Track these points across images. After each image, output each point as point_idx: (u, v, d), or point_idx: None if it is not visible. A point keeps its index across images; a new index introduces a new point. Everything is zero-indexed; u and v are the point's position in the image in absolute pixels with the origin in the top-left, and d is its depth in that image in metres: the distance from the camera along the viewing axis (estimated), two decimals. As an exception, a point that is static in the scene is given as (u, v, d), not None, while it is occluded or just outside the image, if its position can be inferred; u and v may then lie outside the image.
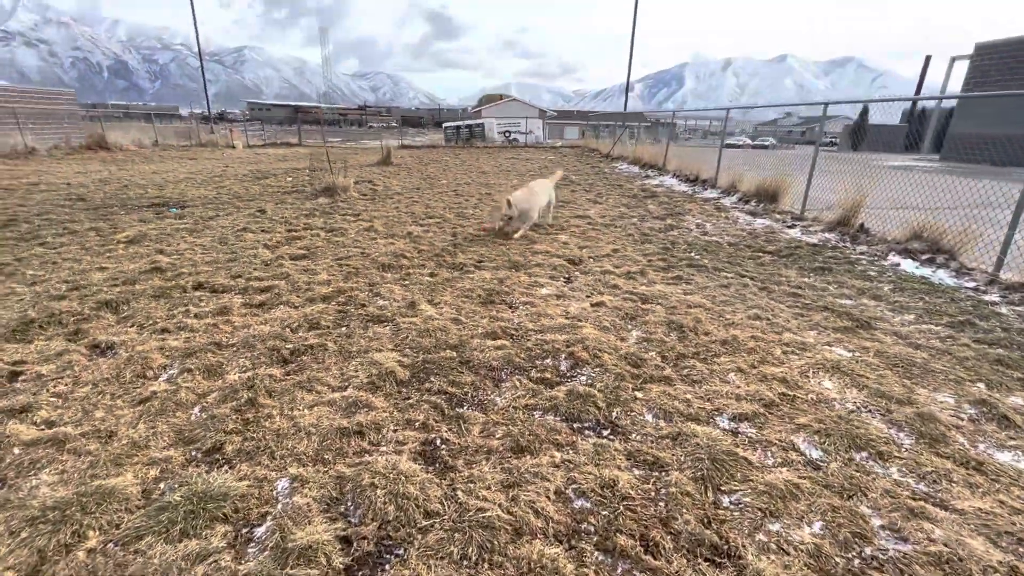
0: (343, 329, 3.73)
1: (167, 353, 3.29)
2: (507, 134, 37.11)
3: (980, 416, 2.72)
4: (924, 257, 5.70)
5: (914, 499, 2.09)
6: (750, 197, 9.84)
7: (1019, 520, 1.99)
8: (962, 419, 2.69)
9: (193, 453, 2.34)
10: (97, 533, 1.87)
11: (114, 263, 5.24)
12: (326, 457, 2.32)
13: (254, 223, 7.30)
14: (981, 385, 3.04)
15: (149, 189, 10.45)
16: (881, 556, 1.82)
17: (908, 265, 5.56)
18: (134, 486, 2.10)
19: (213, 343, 3.44)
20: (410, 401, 2.79)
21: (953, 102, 30.09)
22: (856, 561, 1.80)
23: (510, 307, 4.18)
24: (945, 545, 1.85)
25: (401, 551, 1.83)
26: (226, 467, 2.24)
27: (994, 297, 4.59)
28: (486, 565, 1.76)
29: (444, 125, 37.19)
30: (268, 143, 28.77)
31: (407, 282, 4.83)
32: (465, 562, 1.78)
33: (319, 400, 2.78)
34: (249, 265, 5.26)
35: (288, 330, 3.68)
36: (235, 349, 3.38)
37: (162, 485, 2.12)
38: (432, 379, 3.02)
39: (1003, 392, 2.96)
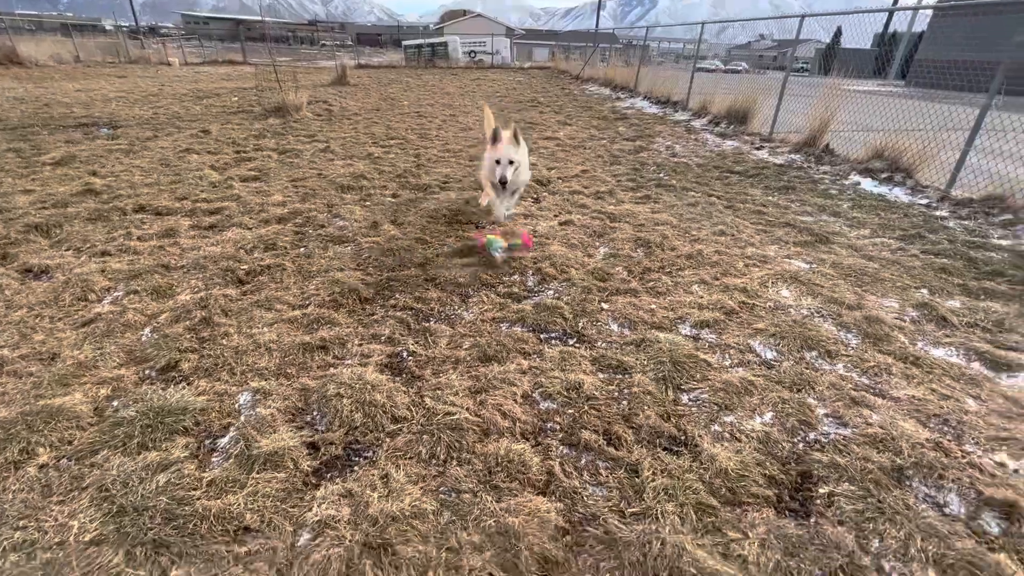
0: (302, 250, 3.56)
1: (109, 276, 3.08)
2: (472, 54, 34.79)
3: (921, 318, 2.89)
4: (883, 176, 5.82)
5: (856, 390, 2.24)
6: (720, 119, 9.68)
7: (947, 404, 2.16)
8: (904, 321, 2.85)
9: (147, 372, 2.25)
10: (48, 450, 1.80)
11: (41, 186, 4.77)
12: (289, 371, 2.27)
13: (198, 144, 6.72)
14: (924, 291, 3.21)
15: (74, 108, 9.39)
16: (823, 439, 1.96)
17: (868, 184, 5.67)
18: (84, 404, 2.01)
19: (160, 265, 3.23)
20: (375, 317, 2.74)
21: (924, 26, 29.73)
22: (801, 445, 1.94)
23: (476, 227, 4.08)
24: (881, 428, 2.00)
25: (370, 454, 1.84)
26: (183, 384, 2.17)
27: (944, 212, 4.77)
28: (454, 463, 1.80)
29: (404, 44, 34.34)
30: (208, 61, 26.04)
31: (368, 203, 4.61)
32: (434, 460, 1.81)
33: (279, 318, 2.69)
34: (195, 187, 4.88)
35: (243, 251, 3.49)
36: (185, 271, 3.19)
37: (115, 403, 2.04)
38: (397, 296, 2.96)
39: (943, 296, 3.14)
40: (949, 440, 1.95)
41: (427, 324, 2.69)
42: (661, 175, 5.91)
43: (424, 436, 1.91)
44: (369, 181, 5.27)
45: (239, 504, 1.60)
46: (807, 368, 2.39)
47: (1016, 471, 1.82)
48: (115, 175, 5.20)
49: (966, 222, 4.50)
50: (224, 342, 2.46)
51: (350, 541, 1.49)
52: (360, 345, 2.48)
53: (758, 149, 7.58)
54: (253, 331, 2.56)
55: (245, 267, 3.24)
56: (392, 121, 9.18)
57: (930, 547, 1.52)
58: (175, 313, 2.70)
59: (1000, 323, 2.82)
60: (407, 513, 1.59)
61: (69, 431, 1.88)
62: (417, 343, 2.52)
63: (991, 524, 1.62)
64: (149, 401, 2.02)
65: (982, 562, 1.47)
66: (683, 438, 1.95)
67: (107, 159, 5.83)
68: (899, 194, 5.35)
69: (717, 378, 2.28)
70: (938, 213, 4.76)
